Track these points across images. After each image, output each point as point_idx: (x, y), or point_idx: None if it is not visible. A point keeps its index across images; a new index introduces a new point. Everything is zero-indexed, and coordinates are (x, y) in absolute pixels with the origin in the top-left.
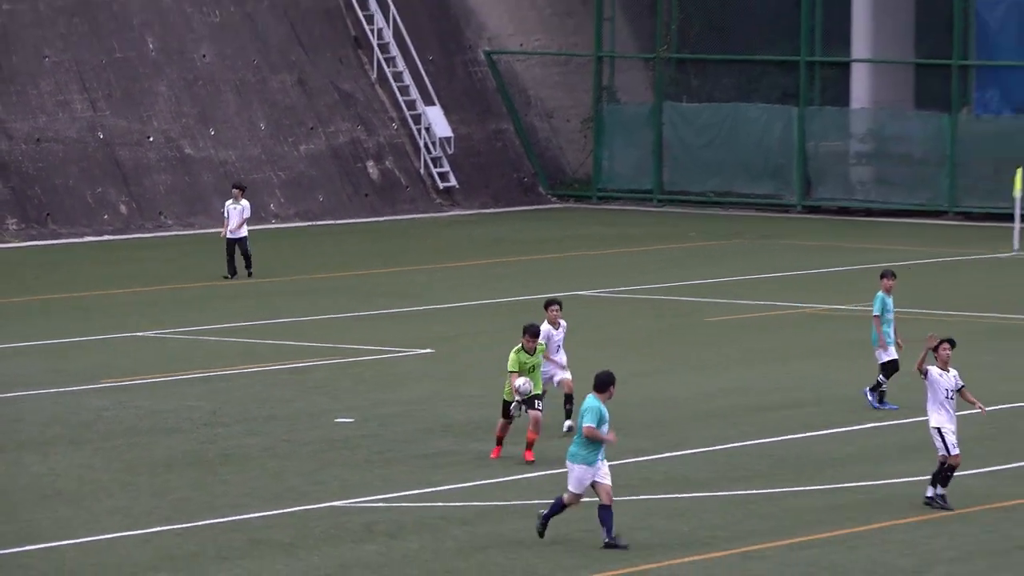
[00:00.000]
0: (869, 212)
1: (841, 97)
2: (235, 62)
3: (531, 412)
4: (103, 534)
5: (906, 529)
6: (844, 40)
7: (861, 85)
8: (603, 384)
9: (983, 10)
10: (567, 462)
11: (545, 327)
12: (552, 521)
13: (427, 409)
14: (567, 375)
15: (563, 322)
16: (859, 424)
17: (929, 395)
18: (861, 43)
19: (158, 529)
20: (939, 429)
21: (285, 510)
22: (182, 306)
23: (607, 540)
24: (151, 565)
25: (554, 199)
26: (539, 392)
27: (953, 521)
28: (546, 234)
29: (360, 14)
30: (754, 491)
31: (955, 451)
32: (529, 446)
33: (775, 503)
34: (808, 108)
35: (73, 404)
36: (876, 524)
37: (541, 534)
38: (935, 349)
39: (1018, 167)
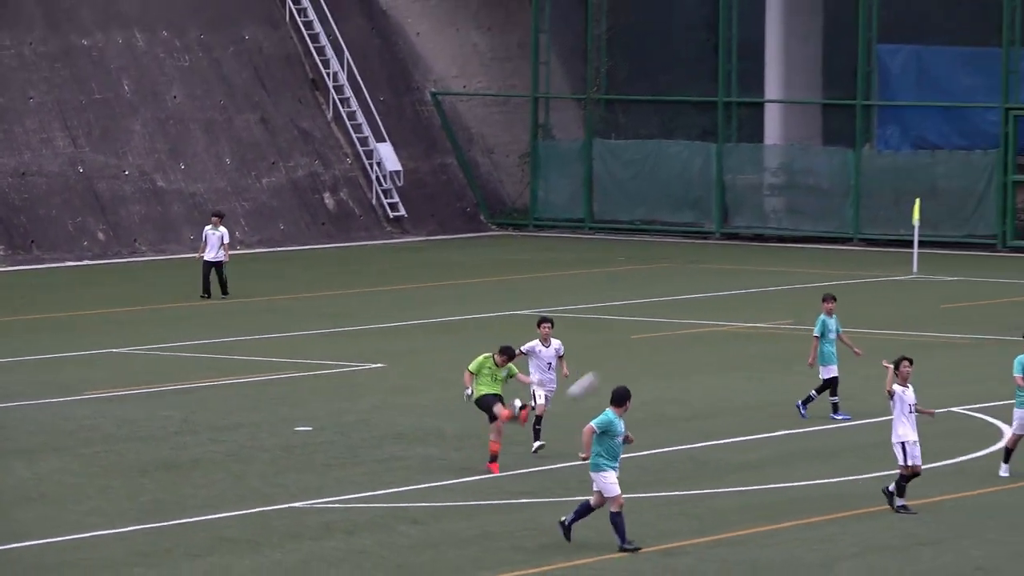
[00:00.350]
0: (781, 239)
1: (755, 134)
2: (203, 103)
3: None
4: (84, 532)
5: (815, 527)
6: (758, 82)
7: (773, 123)
8: (620, 399)
9: (884, 55)
10: (591, 474)
11: (533, 343)
12: (499, 520)
13: (379, 418)
14: (544, 399)
15: (557, 341)
16: (773, 431)
17: (895, 410)
18: (773, 85)
19: (133, 528)
20: (903, 443)
21: (249, 510)
22: (155, 325)
23: (566, 521)
24: (128, 561)
25: (494, 227)
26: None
27: (858, 520)
28: (487, 259)
29: (317, 59)
30: (677, 493)
31: (914, 461)
32: (494, 459)
33: (696, 504)
34: (725, 144)
35: (56, 414)
36: (788, 523)
37: (633, 549)
38: (896, 366)
39: (916, 198)
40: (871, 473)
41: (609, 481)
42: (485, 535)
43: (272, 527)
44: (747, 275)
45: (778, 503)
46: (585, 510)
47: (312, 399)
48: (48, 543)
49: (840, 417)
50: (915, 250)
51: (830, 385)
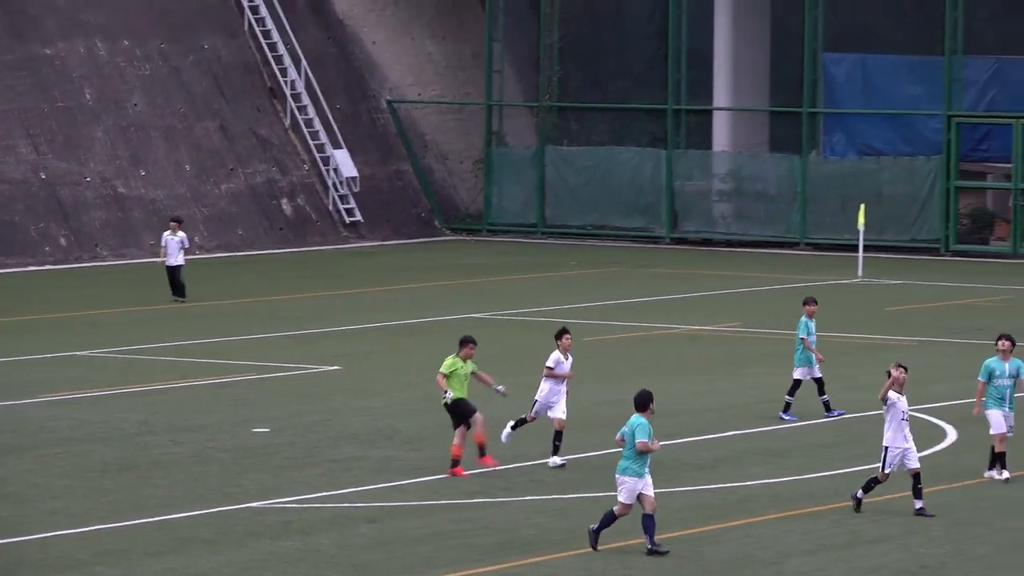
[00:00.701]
0: (730, 243)
1: (704, 141)
2: (164, 110)
3: (476, 416)
4: (47, 532)
5: (764, 525)
6: (707, 90)
7: (722, 130)
8: (643, 403)
9: (830, 64)
10: (617, 477)
11: (556, 357)
12: (452, 520)
13: (336, 419)
14: (562, 415)
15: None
16: (723, 432)
17: (888, 416)
18: (722, 93)
19: (95, 528)
20: (887, 448)
21: (208, 510)
22: (115, 328)
23: (650, 547)
24: (88, 560)
25: (449, 232)
26: (464, 395)
27: (807, 519)
28: (441, 263)
29: (275, 68)
30: None
31: (906, 467)
32: (483, 452)
33: None
34: (675, 151)
35: (17, 416)
36: (738, 521)
37: (594, 547)
38: (891, 372)
39: (861, 203)
40: (820, 473)
41: (627, 487)
42: (439, 534)
43: (231, 527)
44: (696, 279)
45: (730, 502)
46: (649, 521)
47: (270, 401)
48: (11, 543)
49: (787, 418)
50: (860, 254)
51: (798, 386)
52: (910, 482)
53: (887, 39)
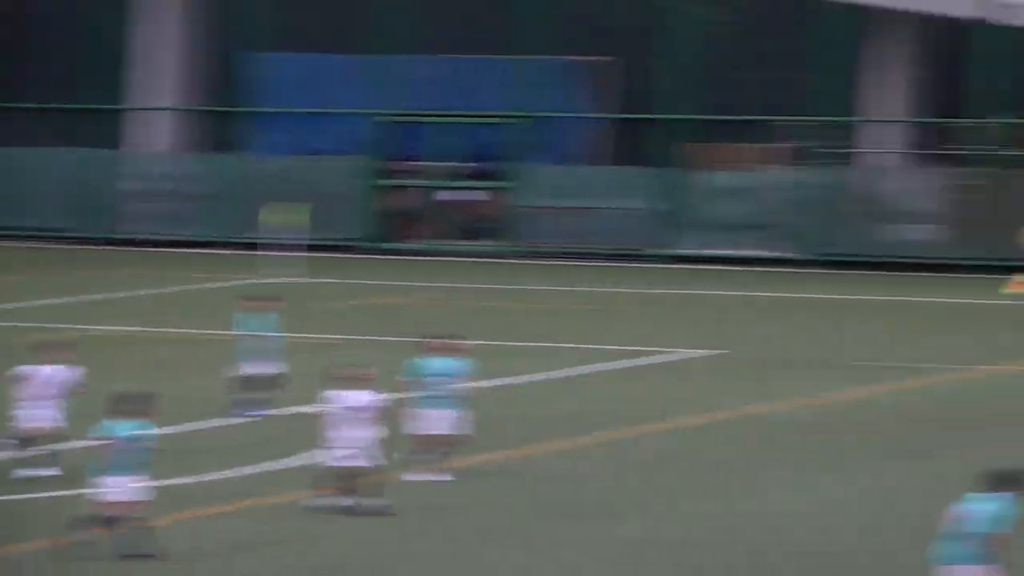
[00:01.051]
0: (168, 244)
1: (138, 141)
2: None
3: None
4: None
5: (179, 526)
6: (143, 90)
7: (157, 130)
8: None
9: (262, 63)
10: (93, 479)
11: (41, 366)
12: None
13: None
14: (44, 424)
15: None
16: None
17: (335, 413)
18: (157, 93)
19: None
20: (337, 444)
21: None
22: None
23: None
24: None
25: None
26: None
27: (221, 518)
28: None
29: None
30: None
31: (349, 463)
32: None
33: (55, 506)
34: (109, 151)
35: None
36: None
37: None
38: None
39: (271, 205)
40: (233, 471)
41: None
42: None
43: None
44: (130, 279)
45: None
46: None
47: None
48: None
49: (254, 414)
50: (261, 251)
51: (251, 381)
52: (356, 480)
53: (320, 38)
